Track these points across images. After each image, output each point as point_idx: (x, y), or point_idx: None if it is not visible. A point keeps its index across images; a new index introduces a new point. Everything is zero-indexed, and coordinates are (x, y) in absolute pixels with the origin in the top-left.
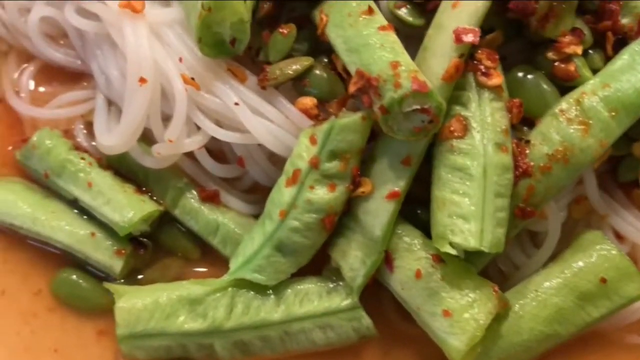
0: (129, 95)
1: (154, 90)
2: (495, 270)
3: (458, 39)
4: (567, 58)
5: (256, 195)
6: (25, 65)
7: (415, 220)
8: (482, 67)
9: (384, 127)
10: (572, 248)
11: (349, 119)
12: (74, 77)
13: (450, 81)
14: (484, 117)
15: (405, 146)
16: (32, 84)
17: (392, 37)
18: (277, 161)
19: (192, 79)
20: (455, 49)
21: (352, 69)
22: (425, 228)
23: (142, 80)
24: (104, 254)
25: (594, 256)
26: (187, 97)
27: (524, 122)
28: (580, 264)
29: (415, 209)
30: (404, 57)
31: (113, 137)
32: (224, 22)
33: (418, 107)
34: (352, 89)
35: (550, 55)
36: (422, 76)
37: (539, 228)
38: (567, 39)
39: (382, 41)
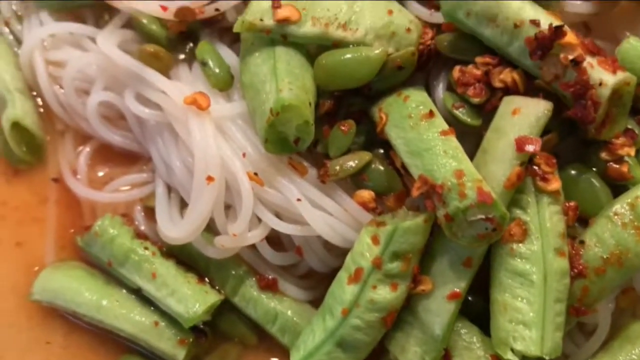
0: (195, 192)
1: (220, 188)
2: None
3: (520, 148)
4: (620, 159)
5: (311, 281)
6: (82, 146)
7: (466, 308)
8: (540, 171)
9: (448, 233)
10: (621, 339)
11: (412, 222)
12: (130, 158)
13: (511, 189)
14: (543, 222)
15: (467, 248)
16: (88, 165)
17: (454, 142)
18: (331, 248)
19: (256, 174)
20: (517, 157)
21: (414, 172)
22: (476, 316)
23: (210, 178)
24: (167, 343)
25: None
26: (253, 195)
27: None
28: (629, 356)
29: (467, 297)
30: (466, 164)
31: (178, 230)
32: (289, 123)
33: (482, 216)
34: (415, 193)
35: (604, 155)
36: (486, 186)
37: (588, 320)
38: (620, 140)
39: (444, 147)
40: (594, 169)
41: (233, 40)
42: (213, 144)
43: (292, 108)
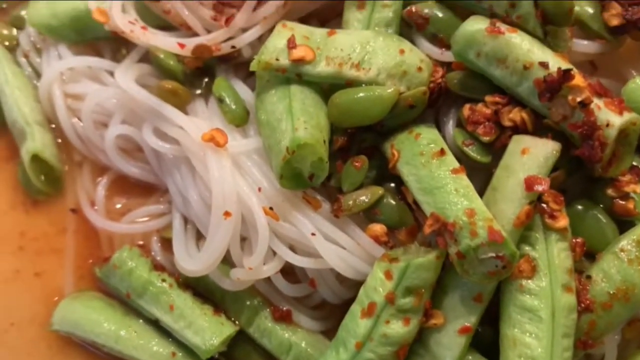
0: (213, 227)
1: (237, 223)
2: None
3: (529, 188)
4: (626, 195)
5: (323, 311)
6: (100, 178)
7: (477, 341)
8: (548, 209)
9: (459, 270)
10: None
11: (425, 259)
12: (147, 189)
13: (520, 227)
14: (552, 259)
15: (477, 284)
16: (106, 196)
17: (465, 181)
18: (344, 280)
19: (271, 208)
20: (526, 196)
21: (426, 209)
22: (487, 348)
23: (227, 214)
24: None
25: None
26: (268, 229)
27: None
28: None
29: (477, 328)
30: (477, 202)
31: (195, 263)
32: (304, 160)
33: (493, 254)
34: (427, 230)
35: (610, 192)
36: (497, 225)
37: (595, 351)
38: (626, 177)
39: (455, 185)
40: (600, 205)
41: (248, 74)
42: (230, 181)
43: (308, 146)
